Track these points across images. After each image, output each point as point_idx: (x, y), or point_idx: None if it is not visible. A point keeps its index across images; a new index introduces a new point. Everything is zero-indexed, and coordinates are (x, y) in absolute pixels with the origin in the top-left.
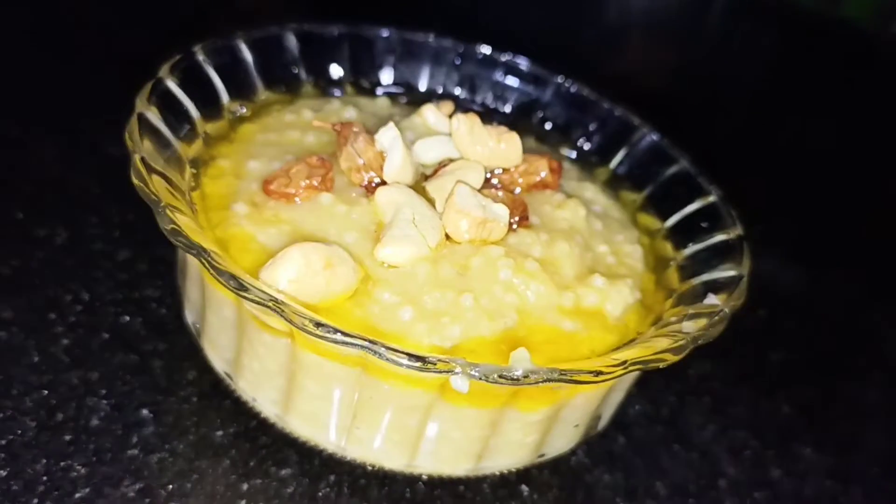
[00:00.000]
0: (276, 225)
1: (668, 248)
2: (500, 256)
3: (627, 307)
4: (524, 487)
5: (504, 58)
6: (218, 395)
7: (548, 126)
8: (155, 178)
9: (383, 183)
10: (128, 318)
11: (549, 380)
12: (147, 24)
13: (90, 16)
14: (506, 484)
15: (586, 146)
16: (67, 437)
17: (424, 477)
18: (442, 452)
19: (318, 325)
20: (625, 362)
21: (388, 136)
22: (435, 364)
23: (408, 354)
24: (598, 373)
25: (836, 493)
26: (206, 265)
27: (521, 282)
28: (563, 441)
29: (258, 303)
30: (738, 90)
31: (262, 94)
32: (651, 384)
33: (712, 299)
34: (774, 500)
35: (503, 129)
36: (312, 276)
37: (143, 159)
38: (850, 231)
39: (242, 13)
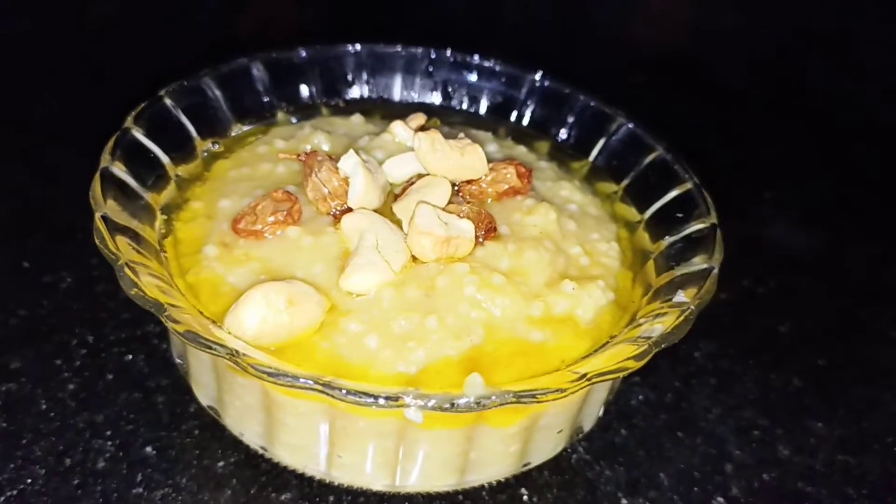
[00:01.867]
0: (245, 264)
1: (646, 239)
2: (465, 273)
3: (600, 310)
4: (523, 490)
5: (475, 60)
6: (218, 425)
7: (525, 123)
8: (119, 236)
9: (349, 210)
10: (131, 356)
11: (504, 403)
12: (155, 61)
13: (99, 63)
14: (505, 488)
15: (565, 140)
16: (75, 482)
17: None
18: (426, 470)
19: (273, 374)
20: (584, 375)
21: (349, 163)
22: (385, 401)
23: (360, 393)
24: (558, 390)
25: (849, 466)
26: (165, 321)
27: (485, 297)
28: (548, 447)
29: (217, 355)
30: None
31: (235, 128)
32: (656, 370)
33: (681, 296)
34: (783, 481)
35: (466, 141)
36: (276, 316)
37: (104, 218)
38: (867, 188)
39: (249, 35)
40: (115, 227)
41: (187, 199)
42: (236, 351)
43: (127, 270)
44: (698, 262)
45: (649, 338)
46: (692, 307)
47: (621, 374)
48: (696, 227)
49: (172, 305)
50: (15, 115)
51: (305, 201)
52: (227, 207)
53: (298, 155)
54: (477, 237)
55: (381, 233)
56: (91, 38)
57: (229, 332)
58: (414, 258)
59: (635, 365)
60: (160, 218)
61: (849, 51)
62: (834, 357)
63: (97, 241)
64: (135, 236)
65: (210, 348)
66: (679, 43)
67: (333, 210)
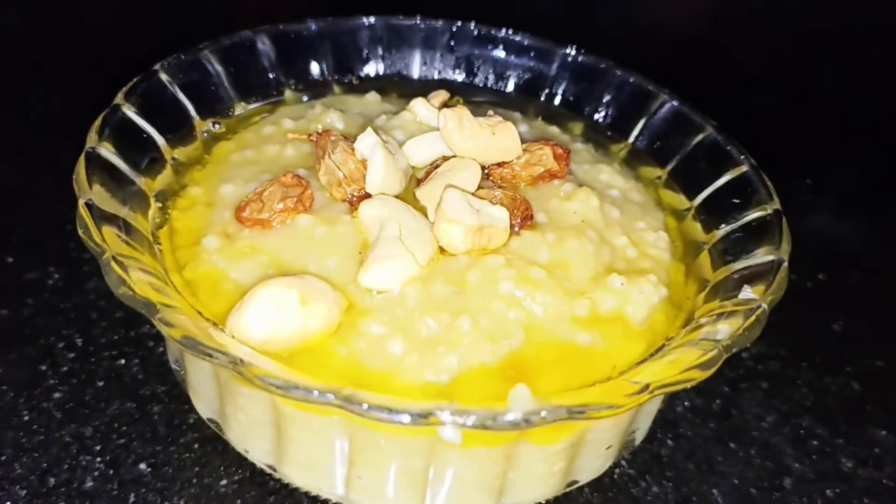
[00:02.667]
0: (250, 257)
1: (698, 230)
2: (500, 267)
3: (652, 308)
4: None
5: (501, 33)
6: (221, 439)
7: (557, 102)
8: (105, 226)
9: (368, 196)
10: (124, 361)
11: (556, 419)
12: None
13: (88, 53)
14: None
15: (601, 120)
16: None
17: None
18: (458, 493)
19: (283, 387)
20: (646, 387)
21: (366, 142)
22: (415, 418)
23: (385, 409)
24: (614, 406)
25: None
26: (158, 324)
27: (525, 294)
28: (595, 464)
29: (219, 364)
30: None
31: (238, 106)
32: None
33: (748, 293)
34: (848, 498)
35: (497, 118)
36: (286, 318)
37: (88, 205)
38: None
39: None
40: (101, 216)
41: (185, 184)
42: (240, 359)
43: (114, 265)
44: (763, 254)
45: (716, 341)
46: (764, 305)
47: (687, 385)
48: (755, 213)
49: (167, 305)
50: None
51: (318, 186)
52: (230, 194)
53: (310, 135)
54: (512, 226)
55: (404, 221)
56: (81, 20)
57: (232, 337)
58: (442, 250)
59: (702, 375)
60: (154, 206)
61: (869, 36)
62: (893, 358)
63: (80, 232)
64: (124, 226)
65: (210, 356)
66: (695, 27)
67: (350, 196)
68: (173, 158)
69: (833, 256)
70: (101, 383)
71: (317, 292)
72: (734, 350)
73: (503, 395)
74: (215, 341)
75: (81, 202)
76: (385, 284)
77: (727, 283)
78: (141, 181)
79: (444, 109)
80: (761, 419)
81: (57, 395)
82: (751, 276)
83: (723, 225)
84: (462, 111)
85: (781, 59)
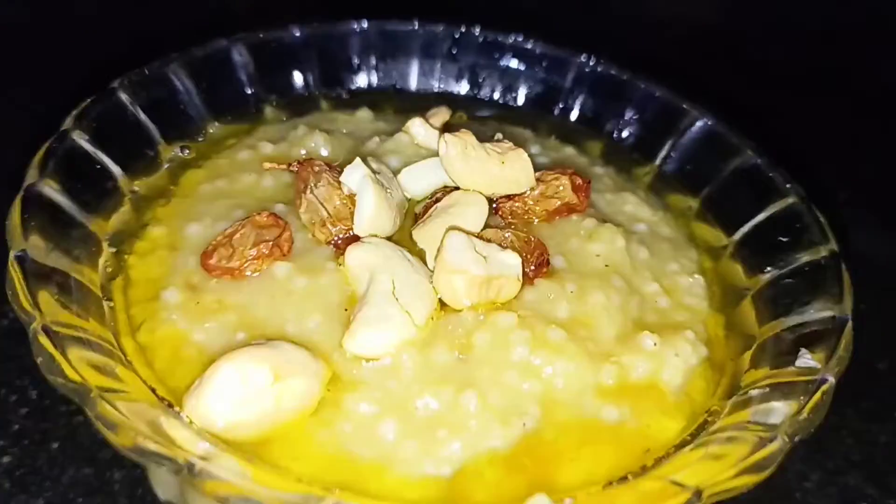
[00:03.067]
0: (217, 315)
1: (738, 271)
2: (511, 327)
3: (691, 371)
4: None
5: (510, 40)
6: None
7: (573, 118)
8: (41, 287)
9: (356, 238)
10: (82, 417)
11: None
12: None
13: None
14: None
15: (623, 139)
16: None
17: None
18: None
19: (247, 499)
20: (697, 495)
21: (354, 176)
22: None
23: None
24: None
25: None
26: (95, 423)
27: (542, 360)
28: None
29: (169, 470)
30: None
31: (211, 127)
32: None
33: (806, 359)
34: None
35: (506, 144)
36: (255, 398)
37: (20, 259)
38: None
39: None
40: (36, 273)
41: (146, 223)
42: (191, 465)
43: (42, 339)
44: (820, 309)
45: (771, 426)
46: (829, 378)
47: (742, 489)
48: (807, 256)
49: (108, 390)
50: None
51: (299, 226)
52: (197, 235)
53: (289, 164)
54: (525, 273)
55: (398, 272)
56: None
57: (191, 423)
58: (443, 304)
59: (760, 477)
60: (107, 251)
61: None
62: None
63: (8, 293)
64: (65, 282)
65: (158, 461)
66: (709, 16)
67: (335, 238)
68: (133, 192)
69: (876, 282)
70: (55, 445)
71: (293, 365)
72: (797, 439)
73: (517, 489)
74: (165, 440)
75: (12, 256)
76: (375, 351)
77: (778, 343)
78: (91, 222)
79: (446, 135)
80: (804, 478)
81: (6, 459)
82: (807, 338)
83: (768, 268)
84: (466, 137)
85: (800, 48)
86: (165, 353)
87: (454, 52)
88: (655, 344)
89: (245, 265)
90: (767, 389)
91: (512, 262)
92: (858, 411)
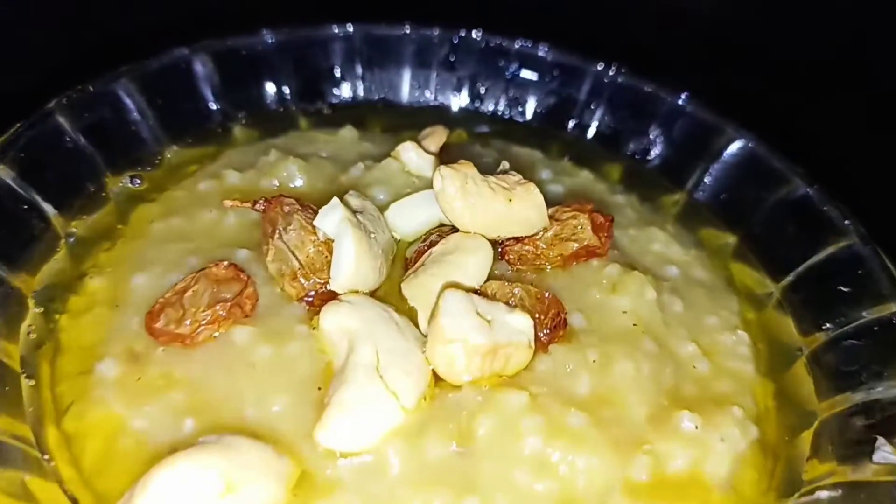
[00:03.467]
0: (162, 395)
1: (788, 325)
2: (522, 410)
3: (739, 458)
4: None
5: (516, 45)
6: None
7: (589, 136)
8: None
9: (333, 295)
10: None
11: None
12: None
13: None
14: None
15: (647, 162)
16: None
17: None
18: None
19: None
20: None
21: (331, 219)
22: None
23: None
24: None
25: None
26: None
27: (560, 454)
28: None
29: None
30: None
31: (169, 151)
32: None
33: (886, 452)
34: None
35: (514, 177)
36: None
37: None
38: None
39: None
40: None
41: (84, 272)
42: None
43: None
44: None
45: None
46: None
47: None
48: (875, 313)
49: None
50: None
51: (265, 278)
52: (144, 288)
53: (254, 202)
54: (537, 338)
55: (383, 339)
56: None
57: None
58: (437, 379)
59: None
60: (33, 312)
61: None
62: None
63: None
64: None
65: None
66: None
67: (307, 294)
68: (69, 234)
69: None
70: None
71: (250, 469)
72: None
73: None
74: None
75: None
76: (354, 444)
77: (845, 426)
78: (15, 277)
79: (442, 169)
80: None
81: None
82: (885, 423)
83: (826, 324)
84: (466, 169)
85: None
86: (96, 444)
87: (452, 59)
88: (697, 426)
89: (198, 330)
90: (839, 492)
91: (522, 325)
92: None
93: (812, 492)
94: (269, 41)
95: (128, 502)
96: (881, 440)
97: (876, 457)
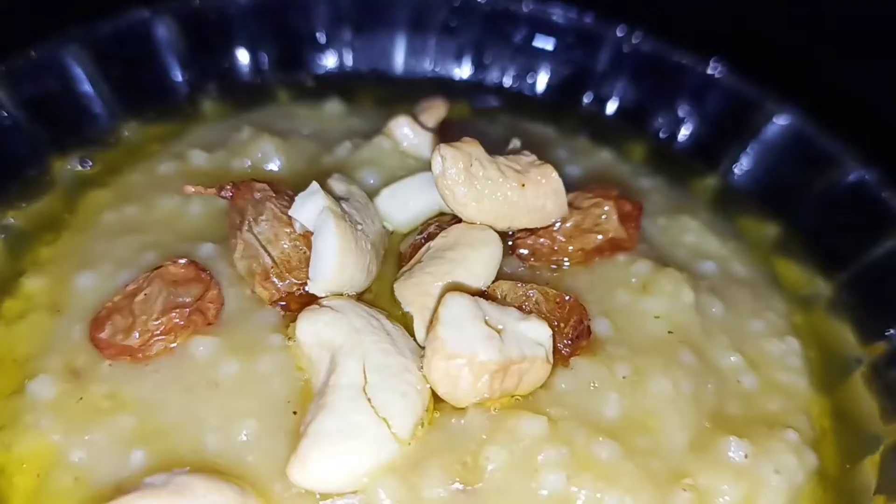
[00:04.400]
0: (107, 420)
1: (843, 331)
2: (540, 441)
3: (797, 493)
4: None
5: (526, 7)
6: None
7: (609, 111)
8: None
9: (312, 298)
10: None
11: None
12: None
13: None
14: None
15: (676, 141)
16: None
17: None
18: None
19: None
20: None
21: (309, 209)
22: None
23: None
24: None
25: None
26: None
27: (587, 493)
28: None
29: None
30: None
31: (126, 129)
32: None
33: None
34: None
35: (528, 157)
36: None
37: None
38: None
39: None
40: None
41: (22, 270)
42: None
43: None
44: None
45: None
46: None
47: None
48: None
49: None
50: None
51: (233, 278)
52: (89, 290)
53: (220, 188)
54: (557, 349)
55: (372, 353)
56: None
57: None
58: (437, 401)
59: None
60: None
61: None
62: None
63: None
64: None
65: None
66: None
67: (282, 295)
68: (5, 227)
69: None
70: None
71: None
72: None
73: None
74: None
75: None
76: (336, 484)
77: None
78: None
79: (442, 148)
80: None
81: None
82: None
83: (890, 330)
84: (471, 149)
85: None
86: (27, 483)
87: (452, 24)
88: (746, 455)
89: (150, 341)
90: None
91: (538, 335)
92: None
93: None
94: (243, 2)
95: None
96: None
97: None
